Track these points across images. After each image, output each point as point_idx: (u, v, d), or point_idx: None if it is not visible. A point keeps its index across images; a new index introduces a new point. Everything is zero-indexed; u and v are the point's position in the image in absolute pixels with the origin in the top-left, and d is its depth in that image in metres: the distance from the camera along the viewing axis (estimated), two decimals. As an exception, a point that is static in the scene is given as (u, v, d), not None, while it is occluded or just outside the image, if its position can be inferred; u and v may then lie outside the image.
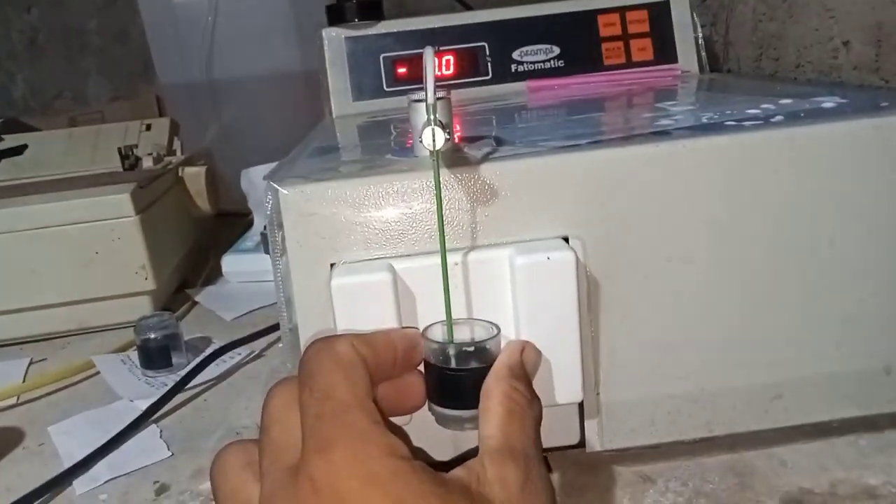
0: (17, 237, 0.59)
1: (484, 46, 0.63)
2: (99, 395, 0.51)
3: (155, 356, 0.53)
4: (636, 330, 0.34)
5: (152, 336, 0.53)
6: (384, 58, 0.63)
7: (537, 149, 0.34)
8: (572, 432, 0.35)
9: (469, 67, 0.63)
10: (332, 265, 0.33)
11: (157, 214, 0.65)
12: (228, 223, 0.90)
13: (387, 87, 0.63)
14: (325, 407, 0.24)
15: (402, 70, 0.63)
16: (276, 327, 0.58)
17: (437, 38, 0.63)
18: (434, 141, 0.29)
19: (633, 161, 0.33)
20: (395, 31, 0.63)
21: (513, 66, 0.64)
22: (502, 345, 0.30)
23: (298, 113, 0.96)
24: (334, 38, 0.63)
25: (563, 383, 0.32)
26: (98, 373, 0.54)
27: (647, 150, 0.33)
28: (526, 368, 0.29)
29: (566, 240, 0.33)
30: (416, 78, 0.63)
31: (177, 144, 0.82)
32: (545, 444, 0.28)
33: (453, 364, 0.29)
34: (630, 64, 0.64)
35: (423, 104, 0.35)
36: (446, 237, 0.32)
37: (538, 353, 0.31)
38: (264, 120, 0.95)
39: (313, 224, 0.32)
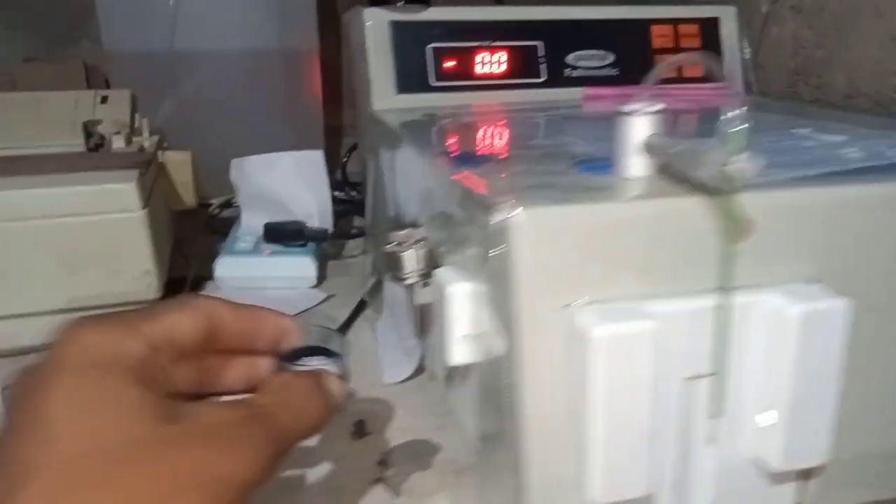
0: (-19, 230, 0.47)
1: (537, 46, 0.59)
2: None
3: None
4: (872, 383, 0.31)
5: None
6: (432, 49, 0.57)
7: (784, 178, 0.30)
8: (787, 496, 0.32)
9: (522, 67, 0.59)
10: (564, 307, 0.27)
11: (155, 209, 0.54)
12: (189, 215, 0.79)
13: (433, 81, 0.57)
14: None
15: (449, 64, 0.57)
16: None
17: (489, 32, 0.58)
18: (734, 173, 0.25)
19: (876, 201, 0.30)
20: (444, 19, 0.57)
21: (566, 70, 0.59)
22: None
23: (273, 96, 0.87)
24: (378, 22, 0.56)
25: (808, 443, 0.29)
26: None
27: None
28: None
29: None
30: (464, 74, 0.58)
31: (142, 123, 0.70)
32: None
33: None
34: (681, 79, 0.62)
35: (637, 118, 0.30)
36: (691, 277, 0.28)
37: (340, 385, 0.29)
38: (232, 101, 0.84)
39: (549, 255, 0.27)
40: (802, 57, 0.65)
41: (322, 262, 0.66)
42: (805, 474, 0.32)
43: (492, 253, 0.27)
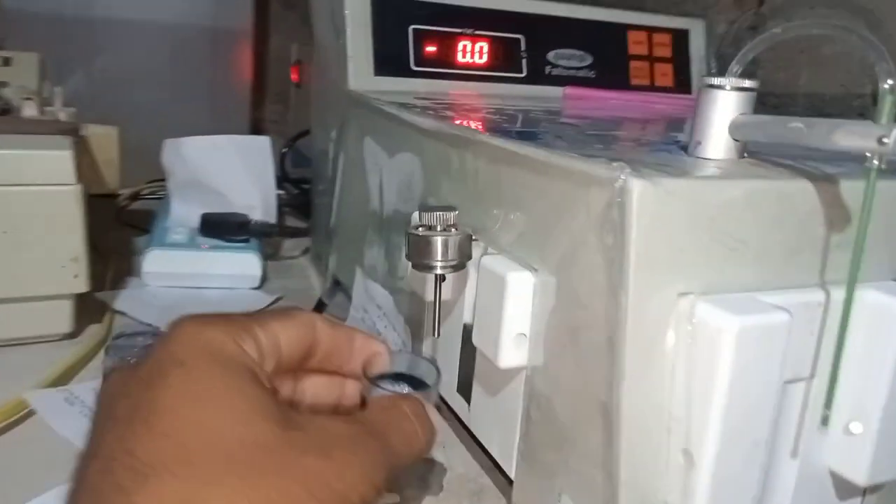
0: None
1: (520, 40, 0.56)
2: (43, 450, 0.33)
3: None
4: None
5: (137, 364, 0.36)
6: (414, 30, 0.52)
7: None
8: None
9: (503, 60, 0.55)
10: (681, 295, 0.23)
11: (85, 187, 0.46)
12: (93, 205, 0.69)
13: (414, 65, 0.52)
14: None
15: (430, 49, 0.53)
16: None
17: (471, 18, 0.54)
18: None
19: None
20: (428, 0, 0.53)
21: (547, 68, 0.57)
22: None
23: (200, 75, 0.79)
24: (358, -5, 0.51)
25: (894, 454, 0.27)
26: (28, 416, 0.36)
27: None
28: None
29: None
30: (446, 61, 0.54)
31: (55, 92, 0.60)
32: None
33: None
34: (653, 87, 0.61)
35: (728, 93, 0.28)
36: (801, 268, 0.25)
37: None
38: (150, 80, 0.75)
39: (667, 235, 0.23)
40: (761, 78, 0.66)
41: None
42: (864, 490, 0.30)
43: (600, 233, 0.23)
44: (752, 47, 0.28)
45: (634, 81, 0.60)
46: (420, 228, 0.31)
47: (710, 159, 0.28)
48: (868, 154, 0.22)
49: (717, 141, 0.28)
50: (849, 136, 0.23)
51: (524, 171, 0.28)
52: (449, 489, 0.34)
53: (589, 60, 0.58)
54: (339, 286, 0.54)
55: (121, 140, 0.57)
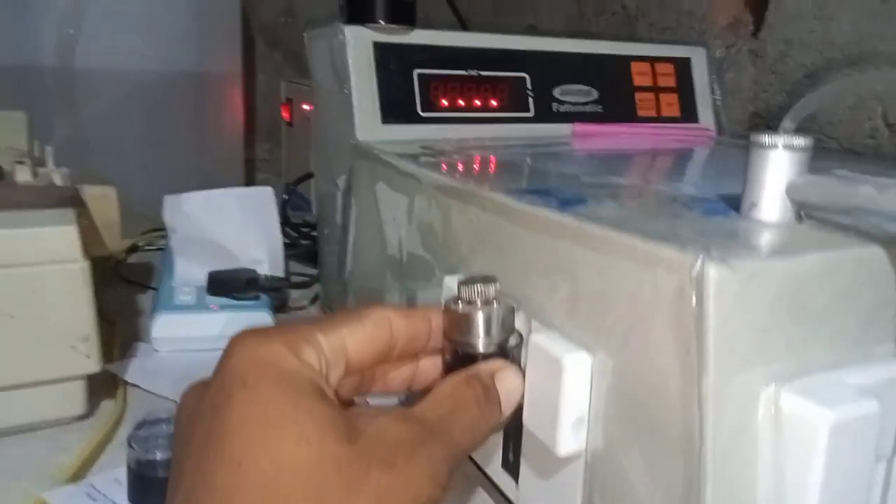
0: None
1: (525, 79, 0.55)
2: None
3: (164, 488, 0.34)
4: None
5: (163, 456, 0.34)
6: (419, 75, 0.51)
7: None
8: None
9: (510, 100, 0.54)
10: (761, 383, 0.22)
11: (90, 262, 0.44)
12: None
13: (421, 111, 0.51)
14: None
15: (437, 93, 0.52)
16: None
17: (476, 59, 0.53)
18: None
19: None
20: (431, 44, 0.52)
21: (554, 105, 0.56)
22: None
23: (190, 122, 0.77)
24: (361, 41, 0.49)
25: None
26: (48, 518, 0.34)
27: None
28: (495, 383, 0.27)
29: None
30: (455, 105, 0.52)
31: (46, 152, 0.58)
32: None
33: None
34: (660, 118, 0.60)
35: (782, 153, 0.27)
36: (878, 339, 0.24)
37: (520, 378, 0.28)
38: (138, 129, 0.73)
39: (749, 319, 0.22)
40: (764, 101, 0.66)
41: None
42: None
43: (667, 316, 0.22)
44: (806, 103, 0.27)
45: (641, 113, 0.60)
46: (459, 303, 0.30)
47: (767, 222, 0.27)
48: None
49: (773, 202, 0.27)
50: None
51: (575, 245, 0.27)
52: (501, 571, 0.32)
53: (595, 95, 0.57)
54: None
55: (119, 200, 0.55)
